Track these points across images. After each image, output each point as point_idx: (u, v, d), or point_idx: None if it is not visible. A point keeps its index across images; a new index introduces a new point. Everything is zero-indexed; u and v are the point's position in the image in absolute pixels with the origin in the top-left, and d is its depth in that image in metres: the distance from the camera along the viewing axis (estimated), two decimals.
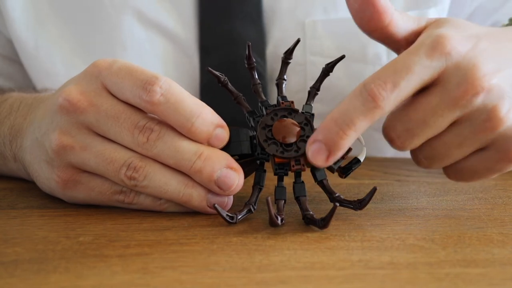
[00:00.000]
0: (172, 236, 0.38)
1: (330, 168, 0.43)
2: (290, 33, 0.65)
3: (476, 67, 0.40)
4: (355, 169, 0.43)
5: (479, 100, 0.40)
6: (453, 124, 0.41)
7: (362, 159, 0.43)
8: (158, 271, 0.33)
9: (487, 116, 0.40)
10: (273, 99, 0.65)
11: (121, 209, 0.43)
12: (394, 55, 0.67)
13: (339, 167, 0.43)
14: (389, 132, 0.41)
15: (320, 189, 0.43)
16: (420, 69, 0.39)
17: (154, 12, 0.65)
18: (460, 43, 0.40)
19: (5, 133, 0.49)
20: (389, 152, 0.72)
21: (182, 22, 0.65)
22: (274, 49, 0.65)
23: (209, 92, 0.65)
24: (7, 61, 0.70)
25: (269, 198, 0.39)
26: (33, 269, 0.33)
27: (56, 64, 0.66)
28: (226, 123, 0.42)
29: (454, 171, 0.43)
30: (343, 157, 0.42)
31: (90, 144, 0.41)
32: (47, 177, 0.44)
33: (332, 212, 0.39)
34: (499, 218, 0.43)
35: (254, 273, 0.33)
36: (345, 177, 0.43)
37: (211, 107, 0.42)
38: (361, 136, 0.44)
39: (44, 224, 0.41)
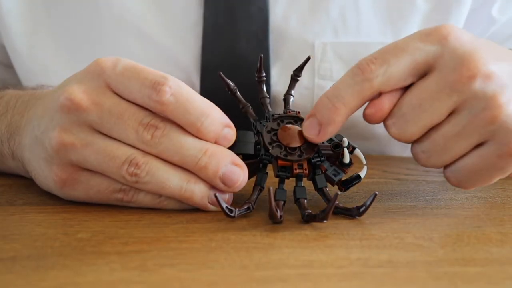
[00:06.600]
0: (171, 233, 0.38)
1: (331, 181, 0.43)
2: (298, 55, 0.62)
3: (473, 52, 0.40)
4: (355, 184, 0.44)
5: (476, 85, 0.39)
6: (452, 114, 0.41)
7: (362, 176, 0.44)
8: (156, 268, 0.33)
9: (486, 105, 0.40)
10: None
11: (120, 206, 0.43)
12: None
13: (339, 180, 0.43)
14: (387, 118, 0.41)
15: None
16: (413, 50, 0.40)
17: (153, 29, 0.64)
18: (459, 32, 0.41)
19: (2, 131, 0.49)
20: (392, 150, 0.71)
21: (182, 40, 0.63)
22: (280, 71, 0.64)
23: None
24: (2, 66, 0.69)
25: (271, 188, 0.38)
26: (32, 266, 0.33)
27: (48, 70, 0.65)
28: None
29: (454, 172, 0.43)
30: (344, 171, 0.43)
31: (92, 141, 0.41)
32: (45, 175, 0.44)
33: (332, 203, 0.39)
34: (498, 217, 0.43)
35: (252, 271, 0.33)
36: (344, 191, 0.44)
37: None
38: (362, 155, 0.44)
39: (43, 221, 0.41)
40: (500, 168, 0.42)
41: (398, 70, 0.40)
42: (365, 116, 0.42)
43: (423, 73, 0.41)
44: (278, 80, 0.64)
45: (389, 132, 0.42)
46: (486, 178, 0.43)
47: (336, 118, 0.41)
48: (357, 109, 0.41)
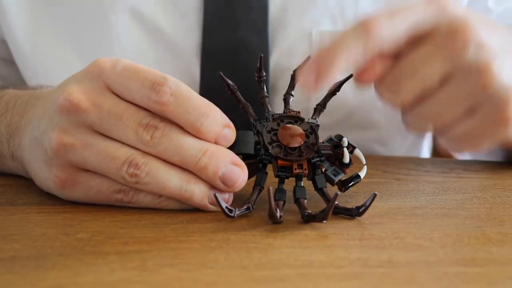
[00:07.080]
0: (171, 233, 0.38)
1: (331, 181, 0.43)
2: (296, 43, 0.64)
3: (467, 22, 0.41)
4: (354, 184, 0.44)
5: (469, 54, 0.41)
6: (445, 81, 0.41)
7: (362, 176, 0.44)
8: (156, 268, 0.33)
9: (478, 73, 0.41)
10: (278, 110, 0.65)
11: (120, 206, 0.43)
12: None
13: (339, 180, 0.43)
14: (380, 85, 0.42)
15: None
16: (416, 10, 0.42)
17: (155, 16, 0.64)
18: (455, 3, 0.42)
19: (1, 132, 0.49)
20: (391, 139, 0.71)
21: (183, 27, 0.64)
22: (278, 59, 0.64)
23: (208, 98, 0.64)
24: (2, 62, 0.69)
25: (271, 188, 0.39)
26: (32, 266, 0.33)
27: (51, 65, 0.65)
28: None
29: (445, 137, 0.44)
30: (344, 171, 0.43)
31: (92, 142, 0.41)
32: (45, 176, 0.44)
33: (331, 203, 0.39)
34: (498, 217, 0.43)
35: (252, 271, 0.33)
36: (344, 191, 0.44)
37: None
38: (362, 155, 0.44)
39: (43, 221, 0.41)
40: (490, 135, 0.43)
41: (401, 28, 0.41)
42: (356, 77, 0.42)
43: (418, 39, 0.42)
44: (276, 67, 0.64)
45: (381, 98, 0.42)
46: (476, 143, 0.44)
47: (335, 66, 0.40)
48: (357, 64, 0.41)
